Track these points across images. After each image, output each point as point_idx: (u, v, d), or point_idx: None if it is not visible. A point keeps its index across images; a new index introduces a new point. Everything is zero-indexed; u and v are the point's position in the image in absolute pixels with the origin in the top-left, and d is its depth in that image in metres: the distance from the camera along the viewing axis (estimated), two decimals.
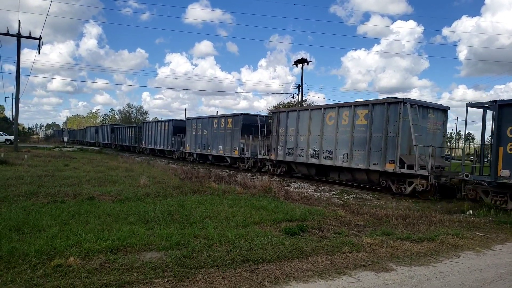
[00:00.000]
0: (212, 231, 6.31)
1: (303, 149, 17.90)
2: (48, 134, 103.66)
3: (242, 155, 22.58)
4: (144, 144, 37.97)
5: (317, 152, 17.01)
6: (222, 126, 24.79)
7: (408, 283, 4.69)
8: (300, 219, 7.76)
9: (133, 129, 42.98)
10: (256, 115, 23.52)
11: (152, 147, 36.07)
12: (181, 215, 7.47)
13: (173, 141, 31.58)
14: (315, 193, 13.63)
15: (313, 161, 17.26)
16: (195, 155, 28.38)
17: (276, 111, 20.76)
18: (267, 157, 20.42)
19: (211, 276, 4.51)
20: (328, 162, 16.39)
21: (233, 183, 13.03)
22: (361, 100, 15.81)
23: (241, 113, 23.34)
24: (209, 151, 26.06)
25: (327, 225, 7.46)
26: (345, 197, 12.82)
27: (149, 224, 6.67)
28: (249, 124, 22.77)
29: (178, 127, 31.50)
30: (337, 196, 13.10)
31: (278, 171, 19.99)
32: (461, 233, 7.44)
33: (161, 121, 34.97)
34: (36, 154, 24.40)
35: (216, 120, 25.72)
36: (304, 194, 12.37)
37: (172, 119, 32.83)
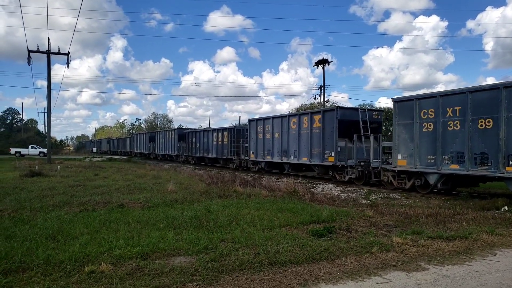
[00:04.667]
0: (239, 235, 6.34)
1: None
2: (78, 146, 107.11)
3: (340, 163, 16.89)
4: (190, 153, 34.81)
5: None
6: (305, 126, 19.08)
7: (441, 283, 4.55)
8: (327, 221, 7.69)
9: (175, 136, 38.56)
10: (356, 109, 17.86)
11: (201, 155, 32.58)
12: (208, 220, 7.54)
13: (231, 149, 27.27)
14: (341, 194, 13.46)
15: None
16: (263, 164, 23.09)
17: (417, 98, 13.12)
18: (389, 166, 14.33)
19: (240, 280, 4.53)
20: None
21: (258, 187, 13.05)
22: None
23: (338, 107, 17.98)
24: (285, 158, 20.63)
25: (355, 226, 7.35)
26: (373, 197, 12.59)
27: (178, 230, 6.77)
28: (347, 121, 17.21)
29: (237, 134, 27.03)
30: (364, 196, 12.88)
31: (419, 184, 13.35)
32: (497, 230, 7.16)
33: (213, 130, 31.12)
34: (68, 165, 25.28)
35: (294, 119, 19.97)
36: (330, 195, 12.24)
37: (234, 126, 29.80)
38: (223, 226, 7.08)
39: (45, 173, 18.15)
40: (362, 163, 15.88)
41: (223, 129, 29.15)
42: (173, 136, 38.66)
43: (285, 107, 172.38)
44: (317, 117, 18.42)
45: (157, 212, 8.45)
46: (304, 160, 19.17)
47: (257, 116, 26.34)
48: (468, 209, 9.45)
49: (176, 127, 61.11)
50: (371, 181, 15.99)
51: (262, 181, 15.37)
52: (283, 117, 21.14)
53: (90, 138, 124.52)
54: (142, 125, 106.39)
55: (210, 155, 30.92)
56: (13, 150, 51.44)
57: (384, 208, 9.43)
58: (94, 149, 61.18)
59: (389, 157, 15.68)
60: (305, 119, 19.21)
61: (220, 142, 28.94)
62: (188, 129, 38.65)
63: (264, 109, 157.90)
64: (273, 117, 22.06)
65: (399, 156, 13.64)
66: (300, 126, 19.51)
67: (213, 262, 5.01)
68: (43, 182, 14.27)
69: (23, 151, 51.68)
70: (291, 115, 20.80)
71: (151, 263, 4.97)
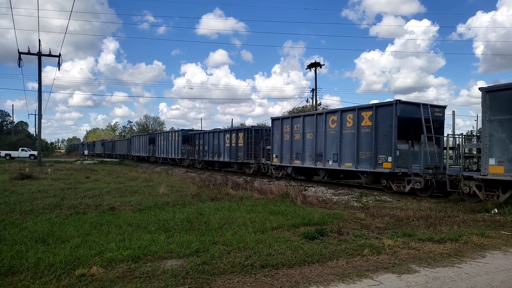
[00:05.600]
0: (231, 237, 6.33)
1: None
2: (69, 148, 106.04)
3: (401, 169, 13.85)
4: (197, 156, 31.72)
5: None
6: (349, 124, 15.99)
7: (432, 285, 4.59)
8: (318, 223, 7.71)
9: (179, 138, 35.00)
10: (418, 104, 14.65)
11: (210, 159, 29.55)
12: (200, 223, 7.53)
13: (248, 152, 24.28)
14: (333, 196, 13.51)
15: None
16: (289, 169, 20.06)
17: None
18: (475, 174, 11.05)
19: (231, 282, 4.52)
20: None
21: (250, 189, 13.05)
22: None
23: (398, 100, 14.25)
24: (320, 163, 17.45)
25: (347, 229, 7.38)
26: (364, 200, 12.66)
27: (169, 232, 6.74)
28: (407, 118, 14.36)
29: (255, 135, 24.23)
30: (355, 199, 12.95)
31: None
32: (487, 233, 7.24)
33: (226, 130, 28.21)
34: (59, 168, 25.04)
35: (334, 117, 16.80)
36: (322, 198, 12.28)
37: (252, 126, 26.72)
38: (214, 229, 7.06)
39: (36, 176, 17.95)
40: (430, 170, 12.97)
41: (238, 130, 25.99)
42: (176, 138, 35.34)
43: (277, 110, 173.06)
44: (366, 114, 15.19)
45: (148, 215, 8.40)
46: (348, 165, 15.88)
47: (281, 115, 24.57)
48: (458, 212, 9.55)
49: (171, 129, 59.85)
50: (435, 193, 13.42)
51: (254, 183, 15.37)
52: (318, 114, 17.95)
53: (82, 141, 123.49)
54: (134, 128, 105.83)
55: (221, 159, 27.62)
56: (3, 153, 50.78)
57: (375, 211, 9.49)
58: (86, 152, 60.52)
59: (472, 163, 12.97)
60: (349, 116, 15.95)
61: (234, 144, 25.71)
62: (193, 130, 35.30)
63: (256, 112, 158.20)
64: (305, 115, 19.10)
65: (492, 161, 10.48)
66: (341, 125, 16.27)
67: (204, 265, 4.99)
68: (34, 185, 14.11)
69: (14, 153, 51.07)
70: (329, 112, 17.62)
71: (142, 266, 4.94)
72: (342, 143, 16.30)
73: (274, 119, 21.44)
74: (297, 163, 19.18)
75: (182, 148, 33.99)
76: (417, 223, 8.05)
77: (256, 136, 24.02)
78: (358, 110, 15.63)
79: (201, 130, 35.70)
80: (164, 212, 8.80)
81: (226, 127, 36.57)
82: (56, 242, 5.97)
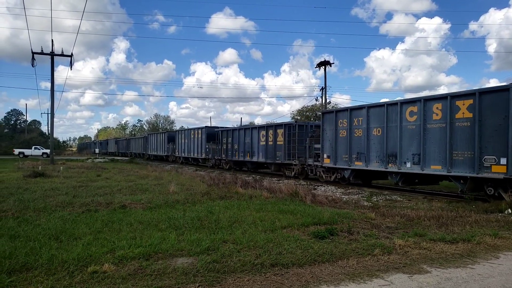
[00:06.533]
0: (241, 236, 6.35)
1: None
2: (81, 147, 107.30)
3: None
4: (224, 156, 28.81)
5: None
6: (437, 117, 12.65)
7: (444, 286, 4.54)
8: (328, 223, 7.68)
9: (203, 135, 31.85)
10: None
11: (240, 158, 26.41)
12: (209, 221, 7.56)
13: (290, 151, 21.06)
14: (343, 196, 13.45)
15: None
16: (346, 172, 16.50)
17: None
18: None
19: (241, 281, 4.53)
20: None
21: (259, 188, 13.05)
22: None
23: None
24: (393, 165, 14.14)
25: (357, 228, 7.34)
26: (374, 199, 12.58)
27: (179, 230, 6.79)
28: None
29: (299, 132, 20.97)
30: (365, 198, 12.87)
31: None
32: (500, 233, 7.13)
33: (261, 127, 24.69)
34: (70, 166, 25.36)
35: (413, 108, 13.49)
36: (332, 197, 12.23)
37: (296, 122, 22.87)
38: (224, 227, 7.09)
39: (48, 173, 18.22)
40: None
41: (276, 126, 22.83)
42: (200, 136, 32.43)
43: (286, 108, 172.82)
44: (463, 103, 11.83)
45: (159, 213, 8.47)
46: (436, 168, 12.60)
47: (339, 107, 18.78)
48: (471, 212, 9.43)
49: (181, 127, 58.13)
50: None
51: (264, 182, 15.38)
52: (390, 105, 14.50)
53: (93, 139, 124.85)
54: (144, 127, 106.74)
55: (254, 159, 24.50)
56: (16, 151, 51.71)
57: (386, 210, 9.42)
58: (97, 150, 61.21)
59: None
60: (437, 107, 12.66)
61: (271, 143, 22.61)
62: (219, 127, 32.54)
63: (265, 111, 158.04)
64: (369, 106, 15.54)
65: None
66: (425, 118, 12.98)
67: (214, 263, 5.02)
68: (46, 183, 14.32)
69: (27, 152, 51.93)
70: (406, 102, 13.89)
71: (153, 264, 4.98)
72: (426, 140, 12.93)
73: (325, 113, 18.35)
74: (359, 165, 15.72)
75: (207, 146, 31.29)
76: (428, 223, 7.97)
77: (300, 133, 20.76)
78: (451, 98, 12.20)
79: (229, 127, 33.21)
80: (174, 210, 8.86)
81: (260, 123, 32.97)
82: (69, 239, 6.06)
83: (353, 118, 16.15)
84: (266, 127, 23.78)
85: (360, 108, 15.99)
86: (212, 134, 30.93)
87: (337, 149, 16.96)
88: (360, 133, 15.77)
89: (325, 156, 17.74)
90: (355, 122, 16.06)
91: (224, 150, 28.75)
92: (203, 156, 31.96)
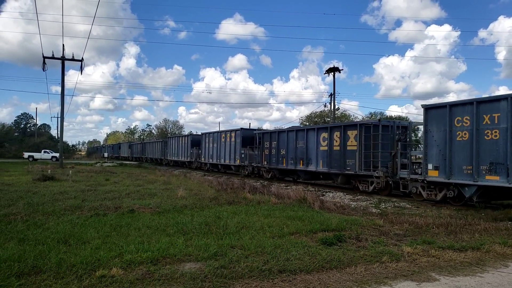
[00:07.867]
0: (249, 242, 6.35)
1: None
2: (90, 151, 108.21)
3: None
4: (266, 163, 23.92)
5: None
6: None
7: None
8: (337, 229, 7.65)
9: (238, 139, 27.31)
10: None
11: (290, 167, 21.52)
12: (217, 226, 7.57)
13: (367, 159, 16.28)
14: (351, 202, 13.38)
15: None
16: (469, 190, 11.81)
17: None
18: None
19: (249, 286, 4.53)
20: None
21: (267, 194, 13.04)
22: None
23: None
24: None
25: (365, 235, 7.30)
26: (383, 206, 12.49)
27: (187, 235, 6.81)
28: None
29: (383, 134, 15.95)
30: (374, 205, 12.79)
31: None
32: (509, 242, 7.03)
33: (320, 128, 19.99)
34: (79, 170, 25.59)
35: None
36: (340, 203, 12.17)
37: (378, 120, 17.50)
38: (232, 232, 7.09)
39: (57, 177, 18.40)
40: None
41: (345, 126, 18.00)
42: (233, 139, 27.79)
43: (295, 114, 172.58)
44: None
45: (167, 217, 8.51)
46: None
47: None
48: (480, 220, 9.31)
49: (189, 132, 54.85)
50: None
51: (272, 188, 15.36)
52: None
53: (102, 143, 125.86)
54: (153, 131, 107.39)
55: (310, 168, 19.79)
56: (26, 154, 52.38)
57: (394, 217, 9.35)
58: (106, 154, 61.65)
59: None
60: None
61: (337, 148, 17.96)
62: (259, 129, 29.07)
63: (274, 116, 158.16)
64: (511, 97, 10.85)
65: None
66: None
67: (222, 269, 5.02)
68: (55, 186, 14.47)
69: (36, 155, 52.55)
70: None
71: (161, 269, 5.00)
72: None
73: (429, 108, 13.26)
74: (493, 179, 11.20)
75: (242, 152, 26.59)
76: (437, 231, 7.90)
77: (384, 136, 15.94)
78: None
79: (271, 129, 28.37)
80: (182, 215, 8.89)
81: (321, 125, 26.29)
82: (77, 243, 6.11)
83: (481, 115, 11.63)
84: (330, 128, 18.90)
85: (495, 100, 11.39)
86: (249, 138, 26.43)
87: (452, 158, 12.43)
88: (496, 135, 11.26)
89: (430, 167, 13.16)
90: (485, 119, 11.53)
91: (265, 156, 23.95)
92: (237, 162, 27.23)
